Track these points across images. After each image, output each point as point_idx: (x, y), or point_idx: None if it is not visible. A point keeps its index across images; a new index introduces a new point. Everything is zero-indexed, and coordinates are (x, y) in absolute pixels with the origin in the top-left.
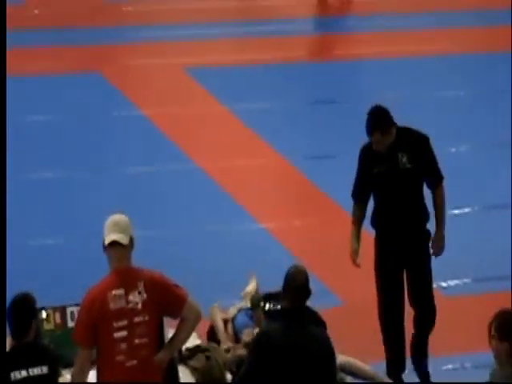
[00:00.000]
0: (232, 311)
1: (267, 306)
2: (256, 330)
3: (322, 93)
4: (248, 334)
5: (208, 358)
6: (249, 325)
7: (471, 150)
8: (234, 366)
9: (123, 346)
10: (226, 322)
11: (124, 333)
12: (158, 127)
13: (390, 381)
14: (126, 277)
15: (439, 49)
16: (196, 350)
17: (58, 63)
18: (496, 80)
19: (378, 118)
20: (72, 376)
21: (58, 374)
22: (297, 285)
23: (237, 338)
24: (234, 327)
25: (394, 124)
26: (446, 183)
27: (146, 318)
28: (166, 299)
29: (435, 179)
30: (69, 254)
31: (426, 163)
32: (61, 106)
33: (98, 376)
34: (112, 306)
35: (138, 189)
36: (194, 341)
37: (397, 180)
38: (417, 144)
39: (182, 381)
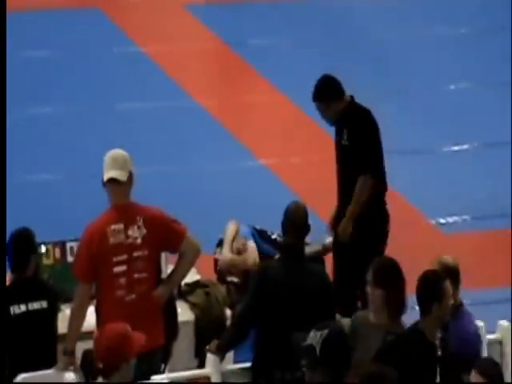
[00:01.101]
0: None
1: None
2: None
3: (323, 32)
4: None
5: (207, 293)
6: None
7: (470, 87)
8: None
9: (122, 280)
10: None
11: (123, 267)
12: (157, 64)
13: None
14: (125, 212)
15: None
16: (195, 285)
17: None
18: (495, 17)
19: (319, 90)
20: (71, 310)
21: (58, 309)
22: (296, 221)
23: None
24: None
25: (338, 98)
26: (446, 120)
27: (146, 252)
28: (165, 234)
29: (359, 167)
30: (68, 190)
31: (359, 146)
32: (60, 42)
33: (97, 310)
34: (111, 240)
35: (137, 125)
36: (193, 276)
37: (338, 155)
38: (358, 123)
39: (181, 316)
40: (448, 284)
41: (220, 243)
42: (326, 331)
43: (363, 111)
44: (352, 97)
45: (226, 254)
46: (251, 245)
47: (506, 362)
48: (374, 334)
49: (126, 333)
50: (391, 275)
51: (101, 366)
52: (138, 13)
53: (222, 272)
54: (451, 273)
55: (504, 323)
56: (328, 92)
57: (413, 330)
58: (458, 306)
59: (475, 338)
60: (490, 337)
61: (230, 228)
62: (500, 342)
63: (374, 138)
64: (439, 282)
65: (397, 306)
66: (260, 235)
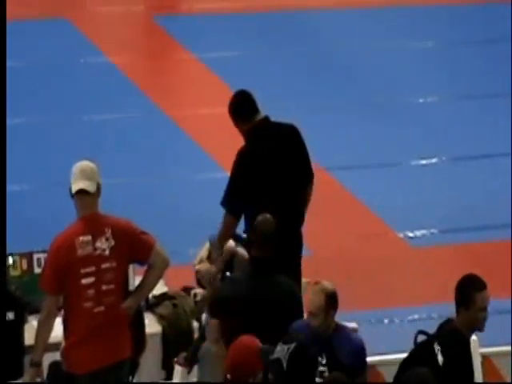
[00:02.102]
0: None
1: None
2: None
3: (290, 42)
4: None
5: (175, 305)
6: None
7: (439, 101)
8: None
9: (91, 292)
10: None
11: (91, 279)
12: (125, 74)
13: None
14: (94, 223)
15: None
16: (163, 297)
17: (25, 9)
18: (466, 31)
19: (229, 104)
20: (38, 322)
21: (24, 320)
22: (264, 234)
23: None
24: None
25: (241, 119)
26: (414, 133)
27: (114, 264)
28: (134, 245)
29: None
30: (35, 200)
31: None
32: (27, 53)
33: (65, 322)
34: (79, 252)
35: (105, 136)
36: (161, 288)
37: None
38: (237, 153)
39: (148, 328)
40: (483, 294)
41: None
42: (293, 345)
43: (259, 138)
44: (263, 119)
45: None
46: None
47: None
48: None
49: (257, 348)
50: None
51: (229, 377)
52: (106, 23)
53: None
54: (331, 297)
55: (472, 337)
56: (234, 111)
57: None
58: (337, 324)
59: (361, 350)
60: None
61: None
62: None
63: (240, 173)
64: (468, 289)
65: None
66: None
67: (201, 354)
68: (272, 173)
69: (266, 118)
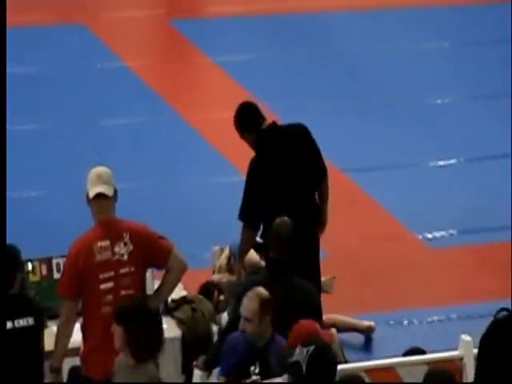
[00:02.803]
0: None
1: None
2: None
3: (306, 45)
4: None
5: (194, 309)
6: None
7: (457, 101)
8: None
9: (109, 297)
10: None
11: (110, 284)
12: (141, 79)
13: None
14: (112, 228)
15: (421, 1)
16: (182, 301)
17: (42, 14)
18: (481, 31)
19: (234, 118)
20: (57, 328)
21: (44, 326)
22: (282, 237)
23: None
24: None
25: (248, 129)
26: (432, 134)
27: (132, 269)
28: (152, 250)
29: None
30: (53, 206)
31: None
32: (44, 58)
33: (84, 327)
34: (98, 257)
35: (121, 140)
36: (179, 292)
37: None
38: (250, 164)
39: (167, 332)
40: None
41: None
42: (312, 347)
43: (267, 145)
44: (270, 125)
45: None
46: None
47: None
48: None
49: (317, 331)
50: None
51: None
52: (122, 27)
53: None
54: (265, 303)
55: (466, 338)
56: (239, 123)
57: None
58: (273, 334)
59: None
60: (476, 351)
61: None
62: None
63: (254, 183)
64: None
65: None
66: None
67: None
68: (285, 177)
69: (273, 124)
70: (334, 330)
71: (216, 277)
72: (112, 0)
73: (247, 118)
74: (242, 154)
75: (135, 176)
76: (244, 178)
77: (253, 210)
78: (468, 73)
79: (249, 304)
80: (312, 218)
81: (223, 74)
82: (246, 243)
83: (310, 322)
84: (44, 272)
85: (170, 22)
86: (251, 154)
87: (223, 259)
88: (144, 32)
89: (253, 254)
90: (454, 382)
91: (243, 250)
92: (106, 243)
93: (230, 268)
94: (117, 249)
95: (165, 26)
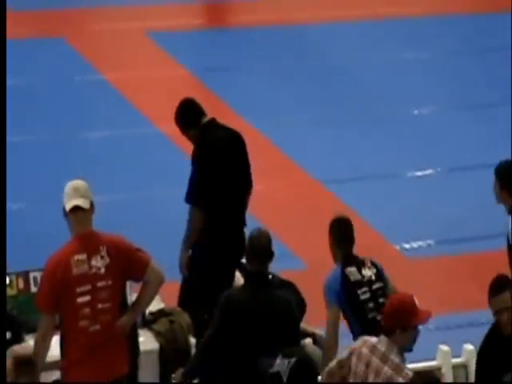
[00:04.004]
0: None
1: None
2: None
3: (288, 55)
4: None
5: (172, 322)
6: None
7: (434, 112)
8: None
9: (86, 310)
10: None
11: (87, 297)
12: (120, 92)
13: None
14: (89, 241)
15: (400, 11)
16: (160, 313)
17: (21, 28)
18: (457, 42)
19: (174, 114)
20: (35, 342)
21: (21, 340)
22: (260, 248)
23: None
24: None
25: (188, 126)
26: (409, 145)
27: (109, 282)
28: (129, 263)
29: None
30: (31, 218)
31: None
32: (24, 71)
33: (62, 341)
34: (75, 271)
35: (101, 153)
36: (157, 305)
37: None
38: (194, 153)
39: (145, 345)
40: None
41: None
42: (293, 359)
43: (208, 138)
44: (210, 121)
45: None
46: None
47: None
48: None
49: (412, 301)
50: None
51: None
52: (101, 41)
53: None
54: None
55: (469, 347)
56: (179, 119)
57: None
58: None
59: None
60: (455, 360)
61: None
62: (465, 366)
63: (202, 167)
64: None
65: None
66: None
67: None
68: (228, 167)
69: (213, 119)
70: None
71: None
72: (90, 13)
73: (188, 116)
74: None
75: (115, 188)
76: None
77: (202, 193)
78: (447, 83)
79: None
80: (242, 216)
81: (202, 85)
82: (195, 225)
83: (406, 294)
84: (21, 286)
85: (148, 34)
86: None
87: None
88: (122, 45)
89: (240, 279)
90: (439, 382)
91: (193, 233)
92: (83, 256)
93: None
94: (94, 262)
95: (142, 39)
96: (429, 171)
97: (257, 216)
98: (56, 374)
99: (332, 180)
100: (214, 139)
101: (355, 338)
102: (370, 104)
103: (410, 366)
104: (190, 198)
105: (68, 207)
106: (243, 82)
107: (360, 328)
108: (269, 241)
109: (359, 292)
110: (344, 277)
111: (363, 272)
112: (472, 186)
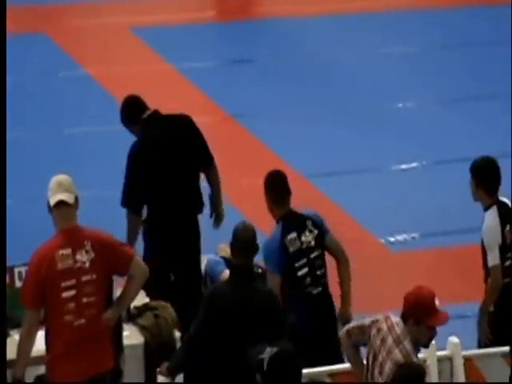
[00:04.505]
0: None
1: None
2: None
3: (270, 49)
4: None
5: (156, 316)
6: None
7: (417, 105)
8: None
9: (71, 305)
10: None
11: (72, 292)
12: (104, 87)
13: None
14: (73, 236)
15: (386, 5)
16: (144, 308)
17: None
18: (442, 36)
19: (120, 115)
20: (20, 336)
21: (6, 335)
22: (244, 242)
23: None
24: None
25: (130, 123)
26: (394, 138)
27: (94, 276)
28: (114, 257)
29: None
30: (16, 214)
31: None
32: (7, 67)
33: (47, 336)
34: (60, 265)
35: (86, 149)
36: (142, 299)
37: None
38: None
39: (130, 339)
40: None
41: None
42: (275, 349)
43: (148, 132)
44: (152, 113)
45: None
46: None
47: (457, 378)
48: None
49: (431, 293)
50: None
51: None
52: (84, 36)
53: None
54: None
55: (454, 339)
56: (122, 117)
57: None
58: None
59: None
60: (440, 353)
61: None
62: (450, 359)
63: (134, 168)
64: None
65: None
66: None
67: None
68: (167, 161)
69: (155, 112)
70: None
71: None
72: (73, 9)
73: (127, 113)
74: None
75: (100, 184)
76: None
77: (134, 195)
78: (431, 76)
79: None
80: (195, 204)
81: (185, 80)
82: (132, 228)
83: (426, 286)
84: (6, 281)
85: (131, 29)
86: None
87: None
88: (105, 39)
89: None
90: (424, 374)
91: (131, 237)
92: (68, 251)
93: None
94: (78, 256)
95: (126, 34)
96: (413, 164)
97: (241, 210)
98: (41, 369)
99: (316, 174)
100: (147, 136)
101: (294, 308)
102: (355, 98)
103: None
104: (123, 200)
105: (52, 202)
106: (228, 78)
107: (296, 300)
108: (253, 234)
109: (297, 265)
110: (283, 248)
111: (303, 238)
112: (457, 179)
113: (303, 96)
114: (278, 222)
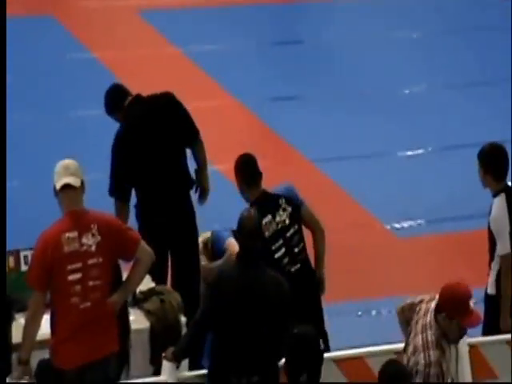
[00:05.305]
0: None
1: None
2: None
3: (277, 35)
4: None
5: (162, 300)
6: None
7: (425, 91)
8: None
9: (77, 288)
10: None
11: (78, 275)
12: (111, 70)
13: None
14: (80, 219)
15: None
16: (150, 292)
17: (11, 6)
18: (449, 20)
19: (104, 102)
20: (25, 320)
21: (12, 318)
22: (249, 228)
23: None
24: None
25: (113, 110)
26: (400, 124)
27: (100, 259)
28: (120, 241)
29: None
30: (22, 197)
31: None
32: (13, 49)
33: (52, 318)
34: (66, 248)
35: (91, 132)
36: (148, 283)
37: None
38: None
39: (136, 324)
40: None
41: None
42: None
43: (130, 118)
44: (133, 98)
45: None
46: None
47: (463, 365)
48: None
49: (465, 301)
50: None
51: (444, 315)
52: (92, 19)
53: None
54: None
55: None
56: (105, 106)
57: None
58: None
59: None
60: None
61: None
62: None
63: (118, 155)
64: None
65: None
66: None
67: None
68: (150, 145)
69: (136, 97)
70: None
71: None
72: None
73: (110, 101)
74: (216, 144)
75: (106, 167)
76: (215, 167)
77: (119, 183)
78: (438, 62)
79: None
80: (182, 182)
81: (193, 64)
82: (120, 215)
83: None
84: (12, 264)
85: (139, 12)
86: (222, 145)
87: (200, 241)
88: (112, 23)
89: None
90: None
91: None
92: (74, 234)
93: (207, 253)
94: (84, 240)
95: (133, 17)
96: (420, 151)
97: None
98: (46, 354)
99: (323, 159)
100: (128, 121)
101: None
102: (361, 83)
103: (393, 346)
104: (110, 189)
105: (59, 186)
106: (236, 62)
107: None
108: (258, 221)
109: (274, 248)
110: None
111: (277, 218)
112: (463, 165)
113: (311, 82)
114: (251, 205)
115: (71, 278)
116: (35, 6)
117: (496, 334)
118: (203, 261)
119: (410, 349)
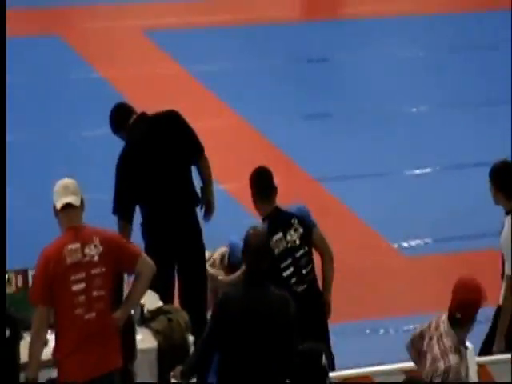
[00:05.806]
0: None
1: None
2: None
3: (284, 54)
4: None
5: (170, 319)
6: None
7: (431, 110)
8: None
9: (81, 298)
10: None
11: (82, 285)
12: (117, 90)
13: None
14: (81, 232)
15: (400, 9)
16: (158, 311)
17: (17, 26)
18: (454, 39)
19: (109, 122)
20: (31, 336)
21: (20, 337)
22: (255, 247)
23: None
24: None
25: (117, 129)
26: (407, 143)
27: (103, 269)
28: (121, 254)
29: None
30: (30, 216)
31: None
32: (19, 69)
33: (57, 331)
34: (68, 260)
35: (96, 151)
36: (156, 303)
37: None
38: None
39: (144, 343)
40: None
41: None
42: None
43: (134, 137)
44: (137, 117)
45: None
46: None
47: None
48: None
49: (478, 283)
50: None
51: (458, 315)
52: (96, 38)
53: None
54: None
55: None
56: (111, 126)
57: None
58: None
59: None
60: None
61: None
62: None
63: (122, 174)
64: None
65: None
66: None
67: None
68: (155, 163)
69: (140, 115)
70: None
71: (212, 270)
72: (86, 11)
73: (113, 119)
74: (222, 163)
75: (109, 187)
76: (220, 187)
77: (123, 202)
78: (444, 81)
79: None
80: (188, 199)
81: (197, 83)
82: (123, 234)
83: (470, 276)
84: (20, 284)
85: (144, 32)
86: (227, 164)
87: (216, 255)
88: (118, 43)
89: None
90: None
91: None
92: (76, 246)
93: (223, 267)
94: (87, 250)
95: (139, 37)
96: (427, 169)
97: (251, 212)
98: (54, 373)
99: (328, 178)
100: (132, 140)
101: None
102: (368, 101)
103: (409, 364)
104: (114, 208)
105: (59, 205)
106: (240, 80)
107: None
108: (265, 239)
109: (282, 266)
110: None
111: (288, 237)
112: (470, 184)
113: (315, 98)
114: (263, 220)
115: (75, 288)
116: (40, 25)
117: (507, 344)
118: (220, 275)
119: (428, 361)
